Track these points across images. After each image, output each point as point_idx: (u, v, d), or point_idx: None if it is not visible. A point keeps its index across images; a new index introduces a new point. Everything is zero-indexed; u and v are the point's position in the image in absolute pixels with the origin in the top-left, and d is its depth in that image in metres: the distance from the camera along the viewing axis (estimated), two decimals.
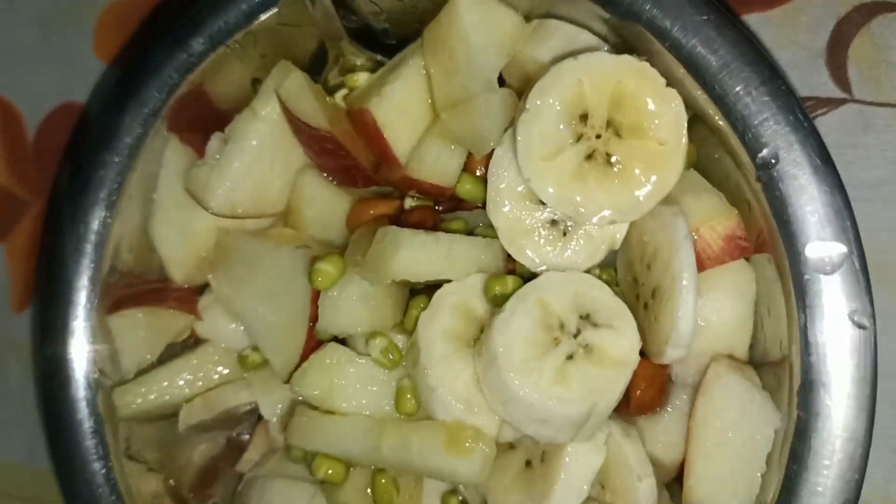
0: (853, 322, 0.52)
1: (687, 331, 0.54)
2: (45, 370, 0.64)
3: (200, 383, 0.65)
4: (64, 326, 0.63)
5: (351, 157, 0.60)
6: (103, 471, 0.63)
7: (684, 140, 0.55)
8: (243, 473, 0.68)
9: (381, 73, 0.62)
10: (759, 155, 0.53)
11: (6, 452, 0.84)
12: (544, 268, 0.58)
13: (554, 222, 0.58)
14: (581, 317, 0.55)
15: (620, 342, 0.55)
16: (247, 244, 0.61)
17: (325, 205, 0.63)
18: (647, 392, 0.57)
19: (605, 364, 0.54)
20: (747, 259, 0.59)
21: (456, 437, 0.57)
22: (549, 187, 0.56)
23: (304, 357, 0.59)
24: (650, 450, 0.59)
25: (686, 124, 0.55)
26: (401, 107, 0.60)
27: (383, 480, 0.60)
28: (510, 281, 0.57)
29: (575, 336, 0.55)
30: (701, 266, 0.56)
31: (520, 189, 0.58)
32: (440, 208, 0.63)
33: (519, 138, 0.56)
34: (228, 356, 0.65)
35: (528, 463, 0.58)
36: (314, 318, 0.58)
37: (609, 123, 0.56)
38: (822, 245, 0.52)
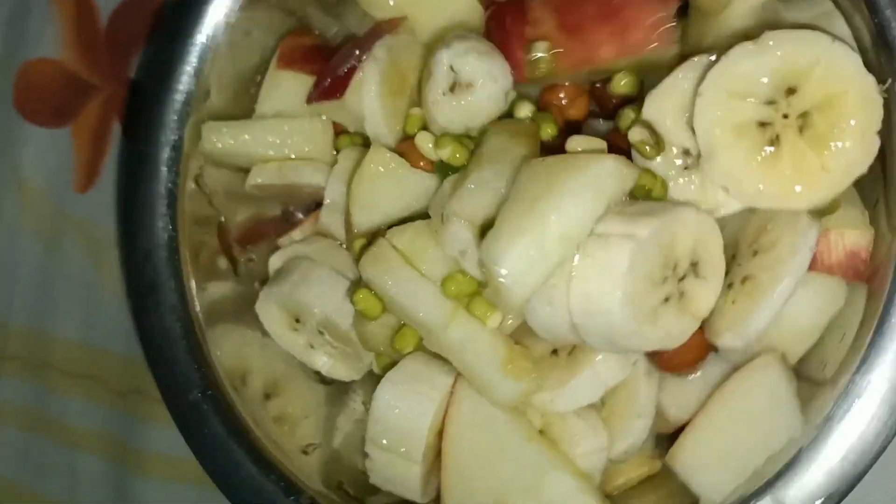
0: None
1: (757, 330, 0.54)
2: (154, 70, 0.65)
3: (285, 150, 0.66)
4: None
5: None
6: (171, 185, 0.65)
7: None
8: (279, 246, 0.70)
9: None
10: None
11: (62, 329, 0.85)
12: None
13: (687, 152, 0.57)
14: (691, 263, 0.54)
15: (706, 296, 0.55)
16: None
17: None
18: (681, 355, 0.57)
19: (686, 313, 0.54)
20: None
21: (515, 358, 0.57)
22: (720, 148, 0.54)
23: None
24: (662, 399, 0.60)
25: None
26: None
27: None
28: (661, 182, 0.56)
29: (679, 280, 0.54)
30: (812, 268, 0.55)
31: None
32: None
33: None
34: (322, 136, 0.67)
35: (555, 352, 0.59)
36: None
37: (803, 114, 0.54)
38: None
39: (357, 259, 0.61)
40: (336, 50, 0.67)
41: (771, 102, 0.53)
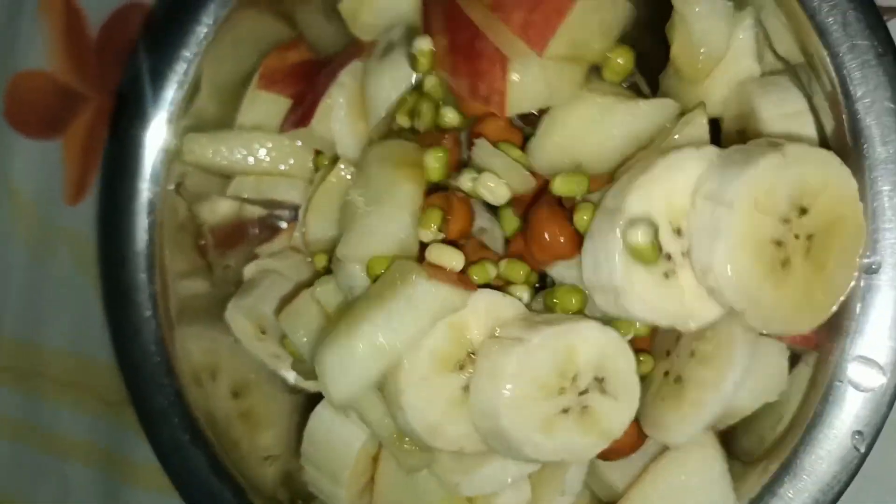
0: (852, 443, 0.53)
1: (686, 436, 0.54)
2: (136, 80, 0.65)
3: (265, 165, 0.67)
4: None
5: None
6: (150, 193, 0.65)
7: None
8: (256, 254, 0.71)
9: None
10: (866, 260, 0.53)
11: (53, 340, 0.85)
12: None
13: (669, 258, 0.53)
14: (595, 378, 0.53)
15: (617, 416, 0.54)
16: None
17: None
18: (615, 447, 0.56)
19: (591, 430, 0.53)
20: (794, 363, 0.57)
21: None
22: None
23: None
24: (607, 473, 0.59)
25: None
26: None
27: None
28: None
29: (580, 393, 0.53)
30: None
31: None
32: None
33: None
34: (300, 153, 0.67)
35: None
36: None
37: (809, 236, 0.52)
38: (865, 368, 0.53)
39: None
40: (321, 67, 0.67)
41: (786, 221, 0.51)
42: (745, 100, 0.58)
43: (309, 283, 0.61)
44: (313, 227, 0.63)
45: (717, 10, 0.57)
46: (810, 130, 0.56)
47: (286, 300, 0.63)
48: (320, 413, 0.61)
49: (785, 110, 0.56)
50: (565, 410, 0.53)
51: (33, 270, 0.86)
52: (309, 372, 0.61)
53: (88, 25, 0.86)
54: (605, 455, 0.56)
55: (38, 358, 0.86)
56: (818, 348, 0.55)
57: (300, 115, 0.64)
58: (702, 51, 0.57)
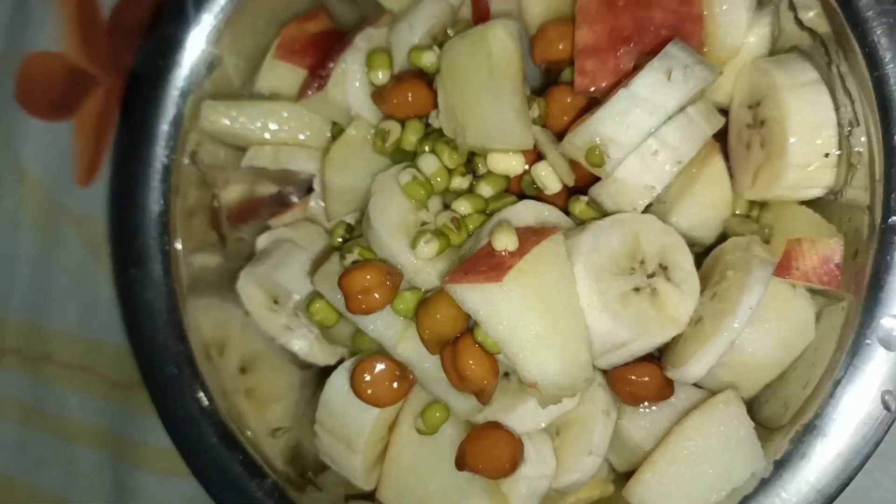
0: (882, 401, 0.53)
1: (692, 375, 0.56)
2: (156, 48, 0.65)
3: (282, 135, 0.66)
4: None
5: None
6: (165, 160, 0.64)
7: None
8: (269, 226, 0.70)
9: None
10: (893, 219, 0.53)
11: (60, 322, 0.85)
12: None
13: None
14: (660, 265, 0.57)
15: (681, 303, 0.57)
16: None
17: None
18: (645, 388, 0.58)
19: (661, 312, 0.56)
20: (825, 295, 0.58)
21: None
22: None
23: None
24: (632, 432, 0.60)
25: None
26: None
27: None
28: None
29: (648, 277, 0.57)
30: (788, 274, 0.57)
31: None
32: None
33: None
34: (317, 123, 0.67)
35: (507, 375, 0.60)
36: None
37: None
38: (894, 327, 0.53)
39: (311, 272, 0.62)
40: (339, 38, 0.67)
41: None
42: (759, 76, 0.60)
43: (328, 249, 0.61)
44: (332, 176, 0.63)
45: (742, 2, 0.59)
46: (825, 99, 0.57)
47: (318, 263, 0.63)
48: (337, 378, 0.61)
49: (800, 80, 0.58)
50: (637, 290, 0.56)
51: (42, 253, 0.86)
52: (336, 334, 0.61)
53: (100, 7, 0.86)
54: (634, 397, 0.58)
55: (47, 341, 0.85)
56: (842, 293, 0.55)
57: (316, 81, 0.64)
58: (723, 40, 0.59)
